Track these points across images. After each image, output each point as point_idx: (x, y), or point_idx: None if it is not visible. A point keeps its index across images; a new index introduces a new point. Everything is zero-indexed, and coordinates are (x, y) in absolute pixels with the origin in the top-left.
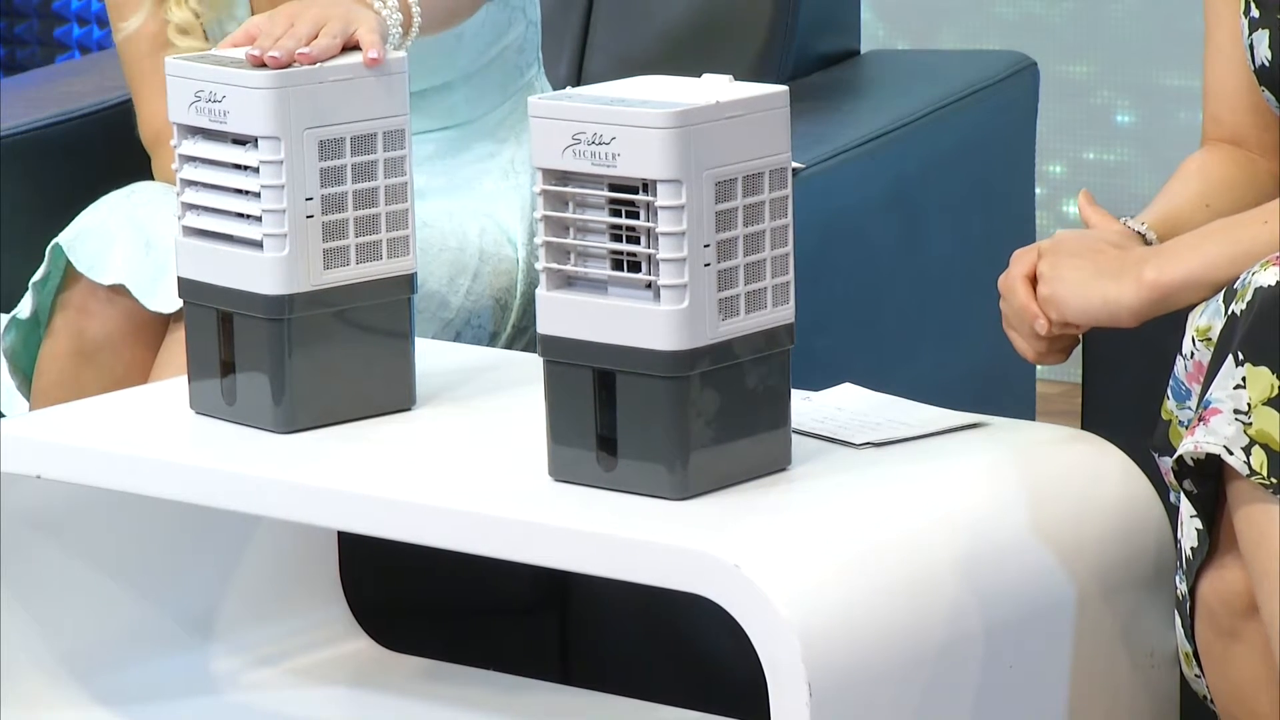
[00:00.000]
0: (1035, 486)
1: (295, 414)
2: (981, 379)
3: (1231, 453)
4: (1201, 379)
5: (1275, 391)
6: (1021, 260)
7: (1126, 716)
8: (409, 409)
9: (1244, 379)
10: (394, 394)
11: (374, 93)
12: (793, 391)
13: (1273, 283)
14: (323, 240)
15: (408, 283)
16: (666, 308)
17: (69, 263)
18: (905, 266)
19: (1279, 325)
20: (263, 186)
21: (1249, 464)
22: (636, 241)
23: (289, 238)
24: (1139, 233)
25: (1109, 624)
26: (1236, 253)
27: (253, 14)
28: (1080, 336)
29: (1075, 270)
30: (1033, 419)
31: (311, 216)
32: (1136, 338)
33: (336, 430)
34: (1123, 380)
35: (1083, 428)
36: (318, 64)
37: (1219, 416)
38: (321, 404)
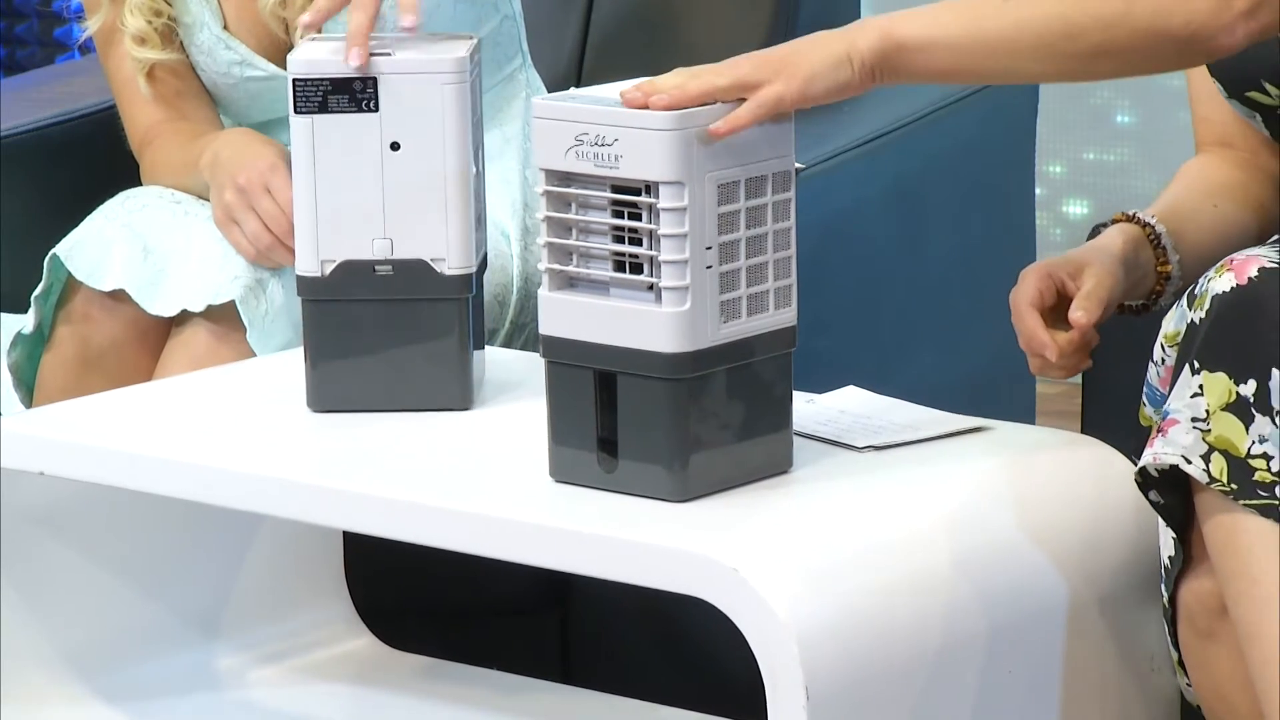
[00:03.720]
0: (1036, 492)
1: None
2: (981, 379)
3: (1190, 461)
4: None
5: (1233, 397)
6: (1028, 283)
7: None
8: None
9: (1201, 386)
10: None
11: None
12: (796, 394)
13: (1228, 289)
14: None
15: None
16: (668, 310)
17: (69, 273)
18: (905, 267)
19: (1235, 331)
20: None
21: (1208, 471)
22: (639, 243)
23: None
24: (1149, 224)
25: (1109, 629)
26: (973, 22)
27: (224, 23)
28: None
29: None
30: (1032, 419)
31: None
32: (1136, 339)
33: (338, 430)
34: (1122, 381)
35: (1082, 429)
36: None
37: (1177, 427)
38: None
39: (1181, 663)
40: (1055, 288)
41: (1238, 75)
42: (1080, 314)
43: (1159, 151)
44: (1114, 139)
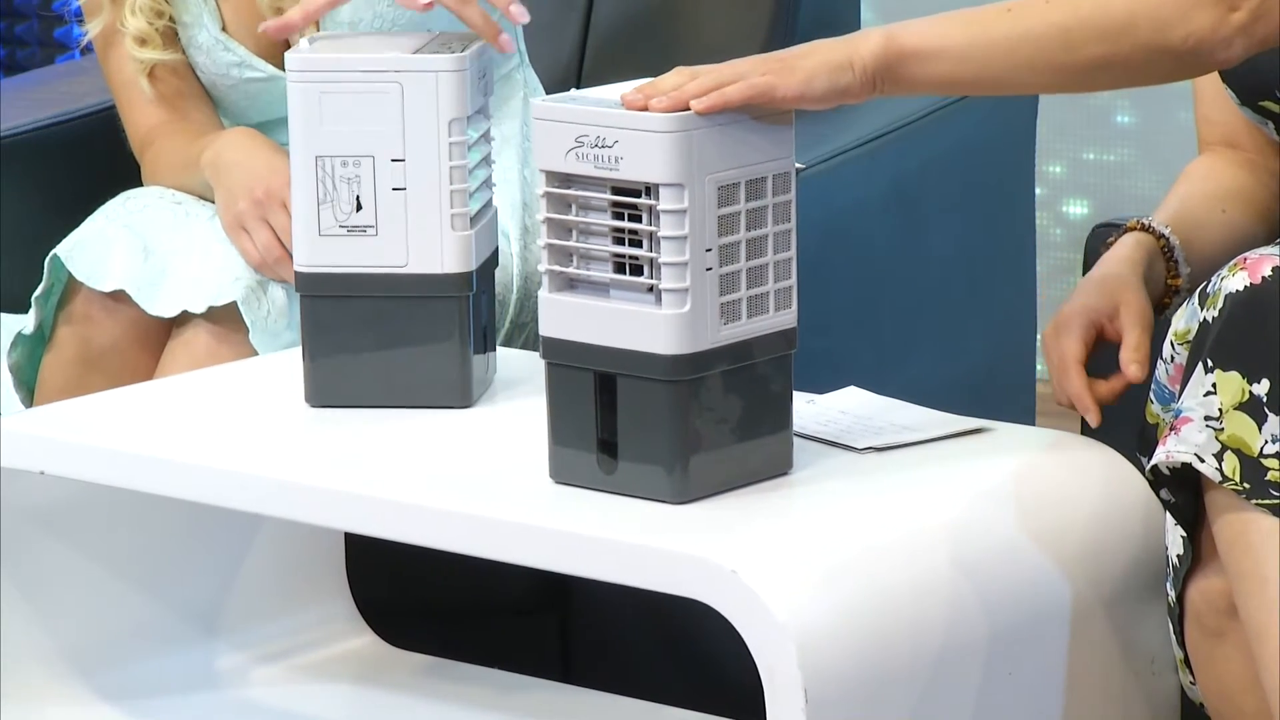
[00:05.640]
0: (1037, 493)
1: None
2: (981, 379)
3: (1203, 460)
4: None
5: (1246, 396)
6: (1072, 335)
7: None
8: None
9: (1214, 385)
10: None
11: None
12: (796, 394)
13: (1241, 288)
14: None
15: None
16: (668, 311)
17: (69, 274)
18: (905, 267)
19: (1248, 330)
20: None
21: (1221, 470)
22: (639, 245)
23: None
24: (1164, 235)
25: (1110, 631)
26: (975, 32)
27: (223, 24)
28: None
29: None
30: (1032, 419)
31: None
32: None
33: (338, 431)
34: None
35: (1082, 429)
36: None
37: (1190, 425)
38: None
39: (1187, 662)
40: (1096, 334)
41: (1251, 84)
42: (1135, 368)
43: (1159, 151)
44: (1114, 139)
